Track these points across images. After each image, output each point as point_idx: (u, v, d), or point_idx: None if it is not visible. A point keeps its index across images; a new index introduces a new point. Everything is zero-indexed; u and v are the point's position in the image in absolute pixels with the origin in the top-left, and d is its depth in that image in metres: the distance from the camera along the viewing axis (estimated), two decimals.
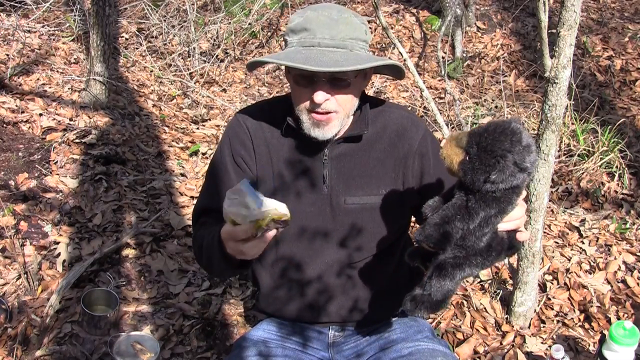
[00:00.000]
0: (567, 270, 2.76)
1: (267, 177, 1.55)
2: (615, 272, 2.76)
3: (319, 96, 1.37)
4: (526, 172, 1.15)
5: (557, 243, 3.01)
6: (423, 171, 1.55)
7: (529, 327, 2.46)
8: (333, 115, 1.42)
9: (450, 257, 1.24)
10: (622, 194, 3.52)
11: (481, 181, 1.15)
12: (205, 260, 1.49)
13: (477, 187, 1.16)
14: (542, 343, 2.37)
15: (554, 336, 2.41)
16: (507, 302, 2.53)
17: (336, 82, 1.38)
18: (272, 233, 1.21)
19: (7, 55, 4.38)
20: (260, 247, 1.24)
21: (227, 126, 1.62)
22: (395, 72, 1.53)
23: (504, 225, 1.24)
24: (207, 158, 3.99)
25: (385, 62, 1.43)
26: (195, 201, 3.33)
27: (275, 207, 1.20)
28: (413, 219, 1.71)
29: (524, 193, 1.24)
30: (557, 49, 2.03)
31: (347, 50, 1.39)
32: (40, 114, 3.76)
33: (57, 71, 4.50)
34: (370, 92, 4.80)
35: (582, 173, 3.63)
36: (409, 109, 4.57)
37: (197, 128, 4.41)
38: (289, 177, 1.54)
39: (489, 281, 2.69)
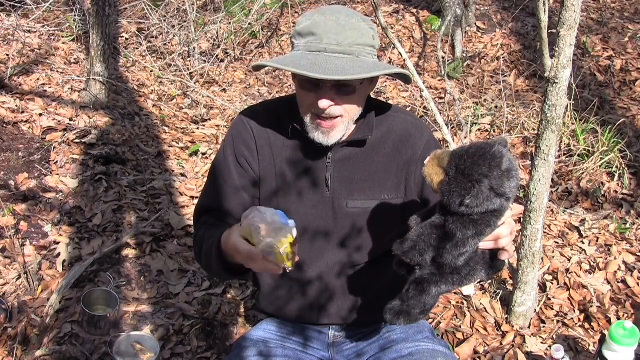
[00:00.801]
0: (567, 270, 2.76)
1: (269, 178, 1.55)
2: (615, 272, 2.76)
3: (323, 103, 1.37)
4: (504, 198, 1.13)
5: (557, 243, 3.01)
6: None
7: (529, 327, 2.46)
8: (338, 120, 1.42)
9: (427, 273, 1.25)
10: (622, 194, 3.52)
11: (457, 204, 1.14)
12: (205, 264, 1.51)
13: (454, 210, 1.15)
14: (542, 343, 2.37)
15: (554, 336, 2.41)
16: (507, 302, 2.53)
17: (342, 88, 1.38)
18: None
19: (7, 55, 4.38)
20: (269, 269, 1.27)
21: (231, 126, 1.61)
22: (403, 77, 1.53)
23: (486, 245, 1.23)
24: (207, 158, 3.99)
25: (392, 70, 1.42)
26: (195, 201, 3.34)
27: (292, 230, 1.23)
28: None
29: (509, 213, 1.21)
30: (557, 49, 2.03)
31: (353, 56, 1.38)
32: (40, 114, 3.76)
33: (57, 71, 4.50)
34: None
35: (582, 173, 3.63)
36: (409, 109, 4.58)
37: (197, 128, 4.42)
38: (292, 178, 1.54)
39: (489, 281, 2.69)
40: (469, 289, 2.69)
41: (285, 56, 1.44)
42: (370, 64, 1.39)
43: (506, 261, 1.30)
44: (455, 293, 2.65)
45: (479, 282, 2.72)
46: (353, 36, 1.38)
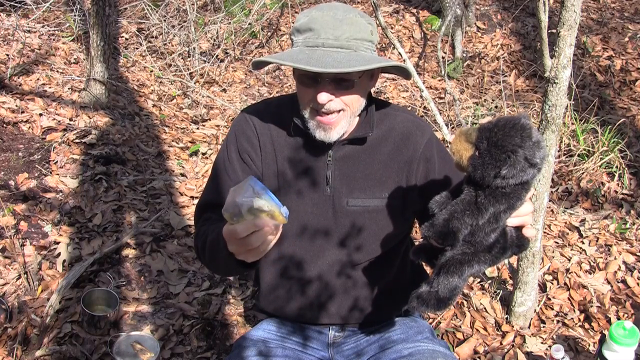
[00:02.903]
0: (567, 270, 2.77)
1: (271, 176, 1.55)
2: (615, 272, 2.76)
3: (322, 97, 1.38)
4: (536, 168, 1.15)
5: (557, 243, 3.01)
6: (428, 176, 1.55)
7: (529, 327, 2.46)
8: (339, 115, 1.42)
9: (459, 253, 1.24)
10: (622, 194, 3.52)
11: (491, 176, 1.14)
12: (209, 258, 1.46)
13: (487, 183, 1.15)
14: (542, 343, 2.37)
15: (554, 336, 2.41)
16: (507, 302, 2.53)
17: (340, 82, 1.39)
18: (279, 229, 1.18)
19: (7, 55, 4.38)
20: (265, 239, 1.17)
21: (234, 123, 1.61)
22: (403, 72, 1.53)
23: (512, 221, 1.24)
24: (207, 158, 3.99)
25: (389, 63, 1.42)
26: (195, 201, 3.34)
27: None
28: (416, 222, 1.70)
29: (532, 190, 1.23)
30: (557, 49, 2.03)
31: (351, 50, 1.38)
32: (40, 114, 3.76)
33: (57, 71, 4.50)
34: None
35: (582, 173, 3.63)
36: (409, 109, 4.58)
37: (197, 128, 4.42)
38: (293, 176, 1.54)
39: (489, 281, 2.69)
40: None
41: (283, 52, 1.45)
42: (368, 58, 1.39)
43: (530, 239, 1.31)
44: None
45: (480, 282, 2.72)
46: (350, 31, 1.39)
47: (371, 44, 1.44)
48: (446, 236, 1.20)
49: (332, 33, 1.38)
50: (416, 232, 2.96)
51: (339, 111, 1.42)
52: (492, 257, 1.25)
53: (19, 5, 5.14)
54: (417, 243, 1.49)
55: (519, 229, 1.27)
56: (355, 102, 1.44)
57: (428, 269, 1.72)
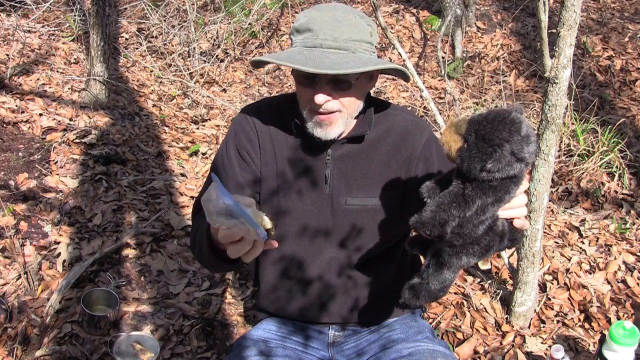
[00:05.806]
0: (567, 270, 2.77)
1: (270, 175, 1.55)
2: (615, 272, 2.76)
3: (319, 97, 1.38)
4: (523, 162, 1.14)
5: (557, 243, 3.01)
6: (426, 175, 1.55)
7: (529, 327, 2.46)
8: (336, 115, 1.42)
9: (447, 245, 1.23)
10: (622, 194, 3.52)
11: (477, 169, 1.14)
12: (198, 252, 1.48)
13: (474, 176, 1.15)
14: (542, 343, 2.37)
15: (554, 336, 2.41)
16: (507, 302, 2.53)
17: (338, 83, 1.39)
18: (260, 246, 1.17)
19: (7, 55, 4.38)
20: (247, 250, 1.17)
21: (234, 120, 1.62)
22: (401, 73, 1.53)
23: (504, 213, 1.23)
24: (207, 158, 3.99)
25: (386, 65, 1.42)
26: (195, 201, 3.34)
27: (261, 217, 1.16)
28: None
29: (525, 184, 1.22)
30: (557, 49, 2.03)
31: (349, 52, 1.38)
32: (40, 114, 3.76)
33: (57, 71, 4.50)
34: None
35: (582, 173, 3.63)
36: (409, 109, 4.58)
37: (197, 128, 4.41)
38: (292, 175, 1.55)
39: (489, 281, 2.69)
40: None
41: (281, 52, 1.45)
42: (365, 60, 1.39)
43: (524, 232, 1.29)
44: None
45: (480, 282, 2.72)
46: (349, 32, 1.39)
47: (370, 46, 1.44)
48: (433, 227, 1.20)
49: (331, 34, 1.37)
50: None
51: (336, 111, 1.42)
52: (481, 249, 1.24)
53: (19, 5, 5.14)
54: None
55: (511, 222, 1.26)
56: (352, 104, 1.44)
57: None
